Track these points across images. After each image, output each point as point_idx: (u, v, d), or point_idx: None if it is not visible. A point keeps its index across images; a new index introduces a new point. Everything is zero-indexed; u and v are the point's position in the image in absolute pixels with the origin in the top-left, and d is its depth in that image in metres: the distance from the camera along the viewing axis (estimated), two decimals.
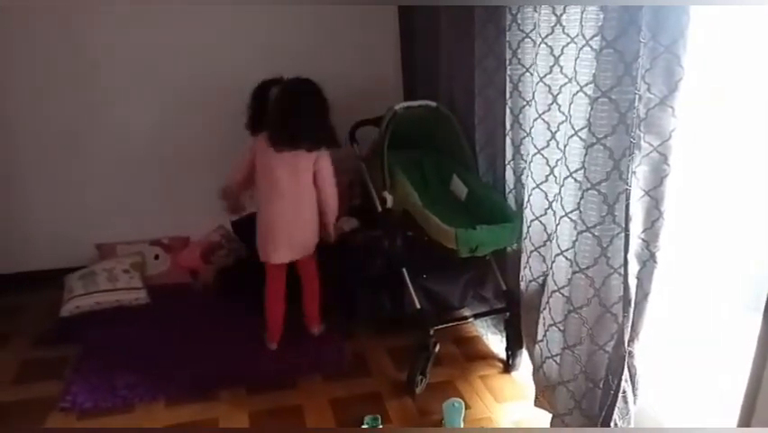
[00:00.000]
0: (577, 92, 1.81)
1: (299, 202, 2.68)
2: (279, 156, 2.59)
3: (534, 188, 2.24)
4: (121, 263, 3.37)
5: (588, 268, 1.82)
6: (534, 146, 2.20)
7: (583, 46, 1.79)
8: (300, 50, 3.53)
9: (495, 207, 2.60)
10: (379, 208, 2.80)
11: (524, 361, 2.63)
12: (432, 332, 2.52)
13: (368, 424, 2.28)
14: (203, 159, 3.50)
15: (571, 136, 1.84)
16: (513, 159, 2.49)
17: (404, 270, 2.66)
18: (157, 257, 3.52)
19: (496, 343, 2.89)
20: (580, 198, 1.82)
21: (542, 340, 2.12)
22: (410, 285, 2.63)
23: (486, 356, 2.80)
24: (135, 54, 3.37)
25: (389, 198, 2.71)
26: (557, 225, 1.96)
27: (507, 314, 2.68)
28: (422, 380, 2.53)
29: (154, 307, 3.22)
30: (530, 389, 2.37)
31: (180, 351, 2.78)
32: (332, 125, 2.65)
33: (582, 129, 1.81)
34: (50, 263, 3.52)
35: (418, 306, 2.59)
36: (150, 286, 3.34)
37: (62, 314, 3.08)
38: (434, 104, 2.89)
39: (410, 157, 3.03)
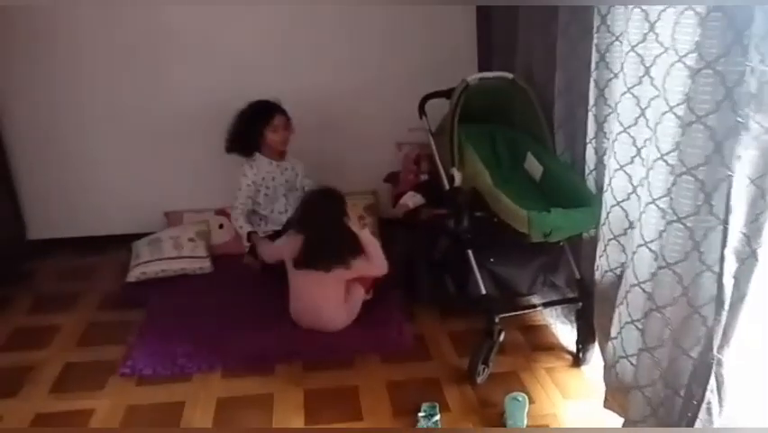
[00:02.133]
0: (675, 63, 1.58)
1: (323, 307, 2.66)
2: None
3: (616, 170, 2.03)
4: (186, 231, 3.38)
5: (676, 263, 1.61)
6: (620, 123, 1.98)
7: (685, 10, 1.56)
8: (372, 20, 3.42)
9: (572, 190, 2.40)
10: (447, 186, 2.65)
11: (595, 356, 2.44)
12: (497, 319, 2.38)
13: (425, 412, 2.17)
14: None
15: (665, 113, 1.63)
16: (595, 137, 2.27)
17: (470, 252, 2.51)
18: (221, 226, 3.52)
19: (565, 333, 2.71)
20: (672, 184, 1.61)
21: (616, 337, 1.93)
22: (476, 268, 2.48)
23: (553, 347, 2.63)
24: (200, 29, 3.37)
25: (458, 176, 2.56)
26: (642, 213, 1.75)
27: (580, 304, 2.50)
28: (484, 369, 2.39)
29: (217, 276, 3.22)
30: (601, 387, 2.19)
31: (239, 323, 2.76)
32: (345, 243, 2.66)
33: (679, 105, 1.59)
34: (121, 229, 3.60)
35: (483, 291, 2.44)
36: (214, 255, 3.35)
37: (128, 279, 3.14)
38: (510, 75, 2.69)
39: (481, 132, 2.86)
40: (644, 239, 1.75)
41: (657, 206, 1.69)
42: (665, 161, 1.65)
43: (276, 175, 3.13)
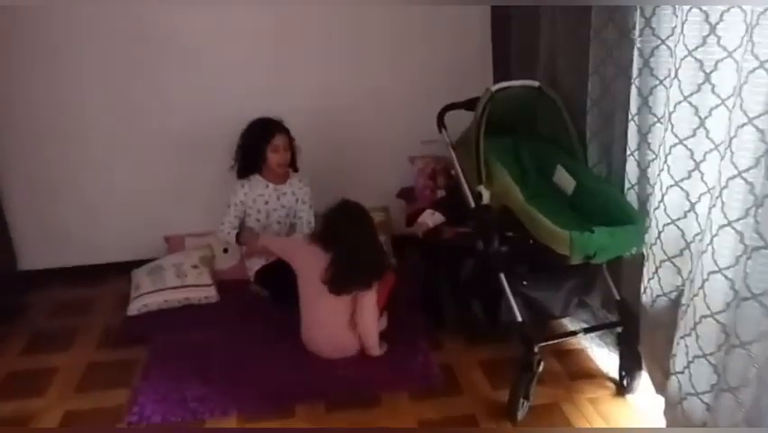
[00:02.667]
0: (755, 69, 1.40)
1: (339, 333, 2.51)
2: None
3: (671, 186, 1.85)
4: (189, 257, 3.17)
5: (764, 294, 1.43)
6: (675, 135, 1.80)
7: (766, 11, 1.39)
8: (380, 29, 3.24)
9: (612, 205, 2.22)
10: (472, 204, 2.46)
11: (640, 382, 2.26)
12: (536, 349, 2.19)
13: None
14: None
15: (743, 125, 1.45)
16: (638, 148, 2.10)
17: (502, 275, 2.32)
18: (226, 250, 3.30)
19: (603, 358, 2.53)
20: (756, 207, 1.42)
21: (682, 372, 1.74)
22: (509, 293, 2.29)
23: (593, 375, 2.44)
24: (202, 40, 3.18)
25: (485, 193, 2.37)
26: (714, 236, 1.57)
27: (620, 329, 2.31)
28: (524, 403, 2.20)
29: (223, 306, 3.02)
30: (651, 416, 2.00)
31: (252, 358, 2.55)
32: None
33: (760, 116, 1.41)
34: (118, 256, 3.39)
35: (519, 318, 2.25)
36: (219, 281, 3.14)
37: (129, 312, 2.93)
38: (535, 83, 2.52)
39: (505, 144, 2.67)
40: (717, 265, 1.56)
41: (734, 228, 1.50)
42: (744, 179, 1.46)
43: (270, 199, 2.95)
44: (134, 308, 2.93)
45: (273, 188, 2.95)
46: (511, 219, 2.27)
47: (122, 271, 3.25)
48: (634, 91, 2.07)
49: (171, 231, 3.38)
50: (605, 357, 2.52)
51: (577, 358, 2.54)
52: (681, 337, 1.74)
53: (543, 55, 2.76)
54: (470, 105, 2.63)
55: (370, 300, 2.49)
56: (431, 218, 2.86)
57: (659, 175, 1.90)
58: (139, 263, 3.21)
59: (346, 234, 2.47)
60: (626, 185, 2.20)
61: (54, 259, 3.37)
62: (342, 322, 2.50)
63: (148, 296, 2.95)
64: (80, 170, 3.29)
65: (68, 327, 2.91)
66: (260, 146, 2.86)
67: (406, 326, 2.74)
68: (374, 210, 3.45)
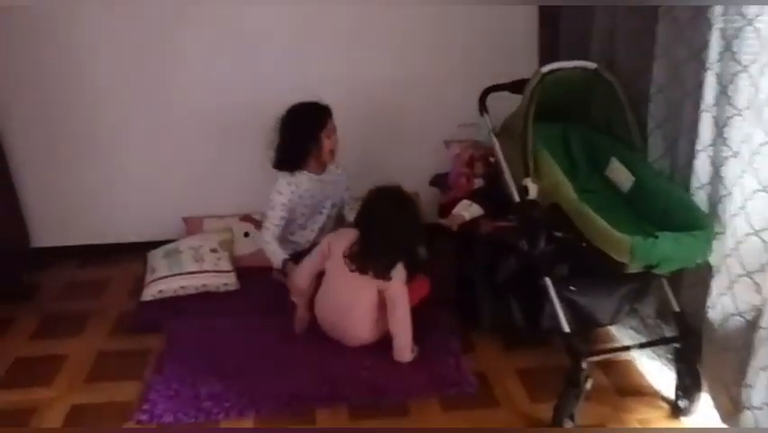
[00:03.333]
0: None
1: (351, 310, 2.35)
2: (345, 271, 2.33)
3: (757, 191, 1.61)
4: (208, 241, 3.01)
5: None
6: (766, 132, 1.55)
7: None
8: None
9: (676, 207, 1.98)
10: (517, 198, 2.24)
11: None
12: (585, 365, 1.97)
13: None
14: None
15: None
16: (713, 144, 1.85)
17: (548, 280, 2.10)
18: (247, 234, 3.14)
19: (654, 372, 2.30)
20: None
21: (760, 408, 1.52)
22: (556, 301, 2.07)
23: (644, 392, 2.22)
24: (215, 10, 2.96)
25: (533, 188, 2.14)
26: None
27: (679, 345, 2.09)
28: (569, 423, 2.00)
29: (243, 294, 2.85)
30: None
31: (272, 354, 2.38)
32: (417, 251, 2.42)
33: None
34: (134, 236, 3.26)
35: (567, 329, 2.04)
36: (239, 268, 2.97)
37: (143, 298, 2.77)
38: (592, 65, 2.27)
39: (552, 132, 2.44)
40: None
41: None
42: None
43: (315, 192, 2.73)
44: (149, 294, 2.77)
45: (317, 179, 2.73)
46: (560, 217, 2.05)
47: (137, 252, 3.11)
48: (710, 78, 1.81)
49: (190, 212, 3.21)
50: (657, 371, 2.29)
51: (625, 371, 2.32)
52: (762, 369, 1.51)
53: (597, 35, 2.49)
54: (515, 87, 2.40)
55: (397, 293, 2.30)
56: (467, 210, 2.64)
57: (741, 177, 1.66)
58: (155, 245, 3.06)
59: (379, 214, 2.33)
60: (695, 184, 1.95)
61: (68, 237, 3.23)
62: (358, 305, 2.32)
63: (163, 281, 2.79)
64: (96, 144, 3.13)
65: (81, 311, 2.77)
66: (313, 132, 2.60)
67: (436, 324, 2.54)
68: None
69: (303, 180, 2.68)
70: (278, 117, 2.63)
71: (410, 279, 2.35)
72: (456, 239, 2.66)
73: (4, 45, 2.90)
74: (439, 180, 3.18)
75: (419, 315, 2.42)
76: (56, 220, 3.20)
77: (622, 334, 2.50)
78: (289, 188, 2.65)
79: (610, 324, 2.37)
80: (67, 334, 2.61)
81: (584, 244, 1.95)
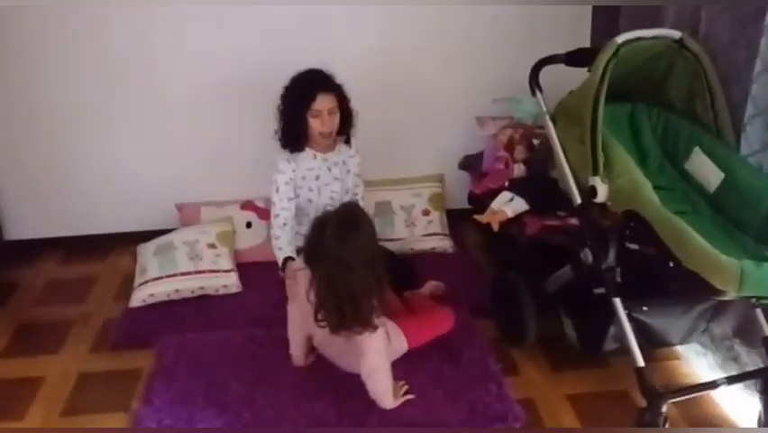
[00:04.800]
0: None
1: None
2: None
3: None
4: (205, 234, 2.63)
5: None
6: None
7: None
8: None
9: None
10: (578, 200, 1.85)
11: None
12: (665, 408, 1.62)
13: None
14: None
15: None
16: None
17: (617, 300, 1.73)
18: (249, 225, 2.75)
19: (731, 400, 1.94)
20: None
21: None
22: (627, 326, 1.70)
23: (720, 423, 1.87)
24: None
25: (601, 188, 1.74)
26: None
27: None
28: None
29: (246, 298, 2.49)
30: None
31: (282, 380, 2.03)
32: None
33: None
34: (122, 226, 2.91)
35: (641, 363, 1.67)
36: (241, 265, 2.60)
37: (132, 303, 2.42)
38: (677, 33, 1.84)
39: (617, 113, 2.04)
40: None
41: None
42: None
43: (321, 173, 2.33)
44: (138, 298, 2.42)
45: (322, 158, 2.32)
46: (638, 227, 1.66)
47: (127, 243, 2.78)
48: None
49: (184, 199, 2.84)
50: (733, 400, 1.94)
51: (699, 400, 1.96)
52: None
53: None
54: (573, 59, 1.99)
55: (371, 345, 1.82)
56: (509, 206, 2.26)
57: None
58: (146, 235, 2.70)
59: (333, 248, 1.76)
60: None
61: (47, 228, 2.87)
62: (364, 363, 1.85)
63: (155, 283, 2.44)
64: (78, 122, 2.74)
65: (60, 320, 2.44)
66: (298, 113, 2.21)
67: (470, 338, 2.18)
68: (429, 180, 2.90)
69: (305, 158, 2.30)
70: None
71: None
72: (495, 239, 2.28)
73: None
74: (470, 163, 2.78)
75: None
76: (33, 209, 2.85)
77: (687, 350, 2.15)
78: (290, 166, 2.28)
79: (680, 344, 2.02)
80: (43, 350, 2.26)
81: (671, 264, 1.56)
